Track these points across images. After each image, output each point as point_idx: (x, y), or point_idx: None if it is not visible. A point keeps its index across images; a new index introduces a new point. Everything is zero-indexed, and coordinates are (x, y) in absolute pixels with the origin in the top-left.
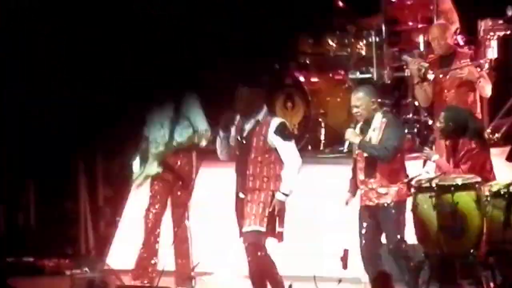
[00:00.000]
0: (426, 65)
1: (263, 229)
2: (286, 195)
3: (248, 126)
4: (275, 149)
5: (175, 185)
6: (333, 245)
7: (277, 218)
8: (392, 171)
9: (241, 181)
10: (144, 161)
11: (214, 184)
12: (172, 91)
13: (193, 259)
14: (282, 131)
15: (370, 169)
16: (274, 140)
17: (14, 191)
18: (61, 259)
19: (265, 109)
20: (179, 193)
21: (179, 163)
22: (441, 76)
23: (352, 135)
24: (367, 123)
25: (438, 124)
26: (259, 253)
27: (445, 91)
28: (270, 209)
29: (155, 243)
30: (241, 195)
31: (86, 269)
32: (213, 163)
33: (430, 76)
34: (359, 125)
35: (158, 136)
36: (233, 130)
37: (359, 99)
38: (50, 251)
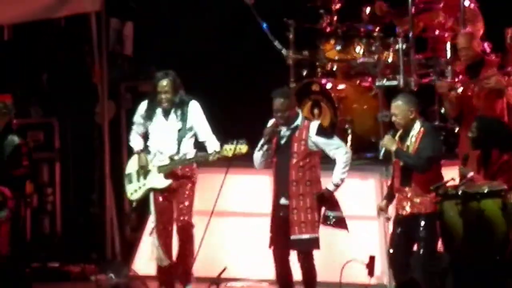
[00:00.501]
0: (453, 85)
1: (317, 235)
2: (336, 185)
3: (286, 133)
4: (315, 153)
5: (178, 196)
6: (358, 252)
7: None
8: (428, 180)
9: (283, 187)
10: (143, 173)
11: (239, 190)
12: (175, 101)
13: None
14: (323, 131)
15: (406, 177)
16: (319, 141)
17: (41, 196)
18: (87, 264)
19: (301, 114)
20: (184, 203)
21: (182, 172)
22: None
23: (389, 142)
24: (406, 131)
25: (469, 134)
26: (310, 261)
27: (474, 100)
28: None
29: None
30: (284, 201)
31: (112, 274)
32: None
33: (459, 89)
34: (398, 133)
35: (163, 148)
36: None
37: (397, 107)
38: (76, 257)
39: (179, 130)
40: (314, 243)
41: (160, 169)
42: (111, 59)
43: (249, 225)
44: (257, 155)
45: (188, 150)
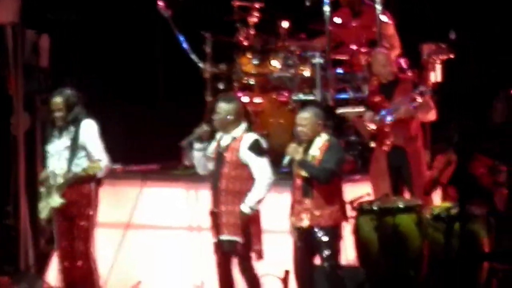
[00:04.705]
0: (378, 118)
1: (239, 239)
2: (251, 208)
3: (224, 142)
4: (248, 165)
5: (77, 216)
6: (274, 266)
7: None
8: (329, 193)
9: (215, 196)
10: (47, 192)
11: (154, 203)
12: (68, 119)
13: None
14: (255, 147)
15: (307, 189)
16: (247, 155)
17: None
18: (0, 276)
19: (243, 125)
20: (81, 223)
21: (77, 194)
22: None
23: (294, 151)
24: (310, 143)
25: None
26: (250, 270)
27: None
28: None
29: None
30: (215, 210)
31: (26, 286)
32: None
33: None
34: (302, 145)
35: (56, 167)
36: (214, 145)
37: (306, 119)
38: None
39: (70, 149)
40: (238, 247)
41: (56, 188)
42: (27, 71)
43: (165, 238)
44: (196, 157)
45: (80, 168)
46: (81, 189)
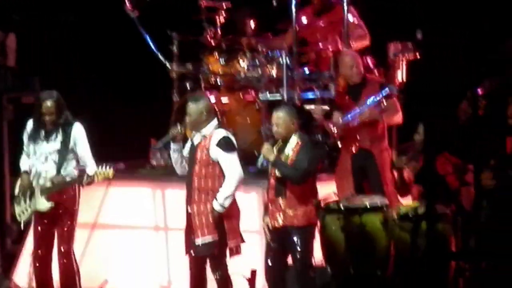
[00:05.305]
0: (342, 122)
1: (215, 238)
2: (222, 205)
3: (195, 140)
4: (218, 163)
5: (60, 219)
6: (240, 265)
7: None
8: (302, 193)
9: (188, 195)
10: (29, 195)
11: (120, 203)
12: (59, 123)
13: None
14: (223, 143)
15: (280, 189)
16: (216, 152)
17: None
18: None
19: (213, 122)
20: (64, 226)
21: (64, 196)
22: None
23: (267, 152)
24: (284, 143)
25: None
26: (223, 271)
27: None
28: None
29: (51, 281)
30: (189, 210)
31: None
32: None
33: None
34: (277, 145)
35: (42, 170)
36: (188, 144)
37: (280, 118)
38: None
39: (60, 152)
40: (215, 247)
41: (42, 191)
42: None
43: (131, 238)
44: (174, 158)
45: (69, 172)
46: (66, 192)
